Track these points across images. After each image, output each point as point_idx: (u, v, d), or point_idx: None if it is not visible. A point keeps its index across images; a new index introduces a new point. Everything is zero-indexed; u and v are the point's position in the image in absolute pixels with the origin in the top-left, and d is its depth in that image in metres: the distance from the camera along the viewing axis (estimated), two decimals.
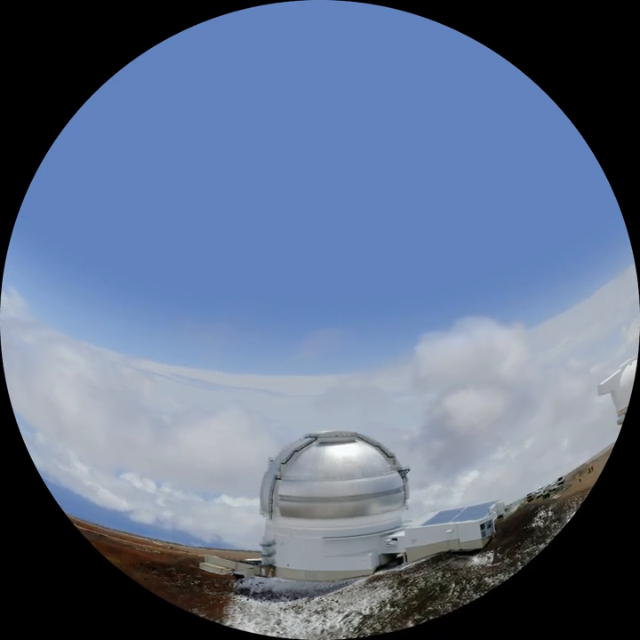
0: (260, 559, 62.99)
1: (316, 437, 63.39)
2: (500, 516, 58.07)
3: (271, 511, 60.20)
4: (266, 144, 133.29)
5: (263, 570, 60.21)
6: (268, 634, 48.28)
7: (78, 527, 55.25)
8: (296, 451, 61.87)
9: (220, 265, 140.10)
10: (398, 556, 58.50)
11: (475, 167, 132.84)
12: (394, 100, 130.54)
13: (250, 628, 49.30)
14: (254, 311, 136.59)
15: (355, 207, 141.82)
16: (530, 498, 59.27)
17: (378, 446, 64.12)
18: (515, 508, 58.77)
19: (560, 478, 59.48)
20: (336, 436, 63.95)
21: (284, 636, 47.85)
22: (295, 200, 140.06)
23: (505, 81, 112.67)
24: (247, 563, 62.16)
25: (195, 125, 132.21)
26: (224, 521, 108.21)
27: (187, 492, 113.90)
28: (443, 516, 60.15)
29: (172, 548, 69.52)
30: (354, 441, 63.73)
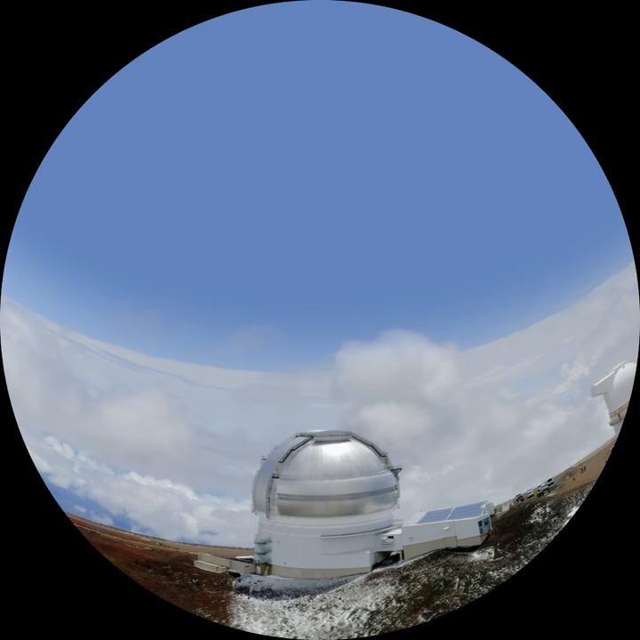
0: (251, 556, 62.95)
1: (311, 437, 63.67)
2: (492, 516, 59.83)
3: (268, 510, 60.10)
4: (263, 142, 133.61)
5: (259, 568, 60.11)
6: (277, 633, 48.34)
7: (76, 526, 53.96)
8: (292, 449, 61.97)
9: (167, 254, 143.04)
10: (392, 553, 59.55)
11: (470, 168, 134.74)
12: (394, 100, 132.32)
13: (257, 626, 49.21)
14: (189, 300, 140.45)
15: (313, 208, 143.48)
16: (520, 498, 61.36)
17: (371, 445, 64.98)
18: (506, 508, 60.66)
19: (550, 480, 61.82)
20: (330, 434, 64.48)
21: (293, 635, 47.96)
22: (253, 197, 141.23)
23: (505, 81, 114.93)
24: (241, 560, 61.90)
25: (194, 125, 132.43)
26: (131, 496, 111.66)
27: (100, 464, 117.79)
28: (431, 516, 61.42)
29: (160, 544, 68.56)
30: (348, 440, 64.38)
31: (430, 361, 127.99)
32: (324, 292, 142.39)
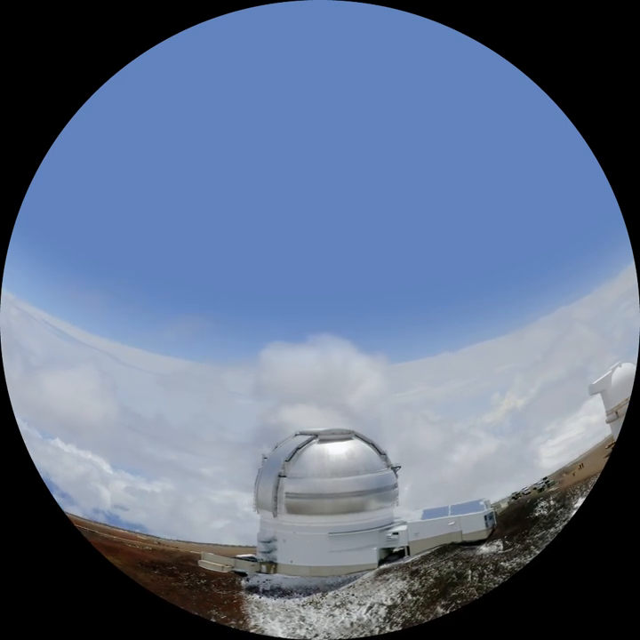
0: (251, 555, 62.95)
1: (315, 435, 64.12)
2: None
3: (275, 508, 60.17)
4: (264, 143, 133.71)
5: (264, 566, 60.13)
6: (298, 631, 48.56)
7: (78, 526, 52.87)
8: (298, 448, 62.29)
9: (121, 237, 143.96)
10: (395, 550, 60.62)
11: (471, 168, 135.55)
12: (393, 100, 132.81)
13: (276, 626, 49.31)
14: (133, 284, 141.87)
15: (275, 205, 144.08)
16: (516, 496, 63.54)
17: (372, 444, 65.87)
18: (505, 505, 62.73)
19: (545, 478, 64.25)
20: (333, 433, 65.09)
21: (314, 633, 48.30)
22: (242, 197, 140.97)
23: (505, 81, 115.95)
24: (244, 559, 61.71)
25: (194, 125, 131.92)
26: (54, 461, 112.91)
27: (30, 426, 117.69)
28: (428, 514, 62.64)
29: (159, 543, 67.68)
30: (351, 438, 65.11)
31: (357, 370, 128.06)
32: (257, 288, 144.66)
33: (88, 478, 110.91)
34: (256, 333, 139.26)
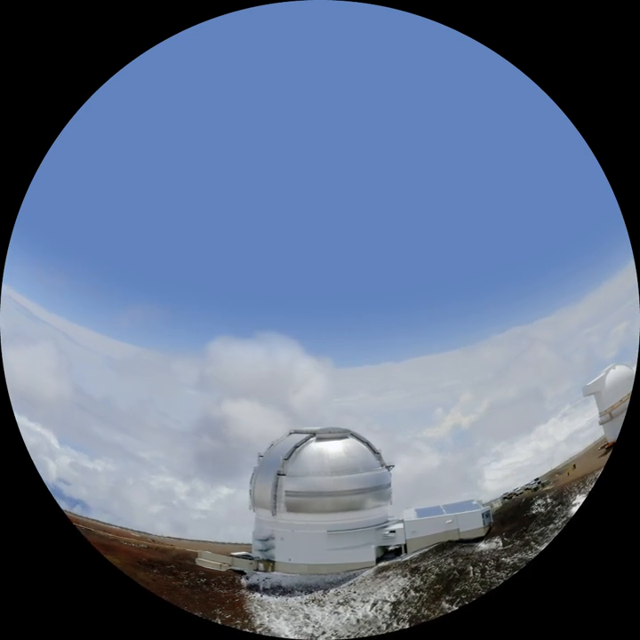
0: (246, 553, 62.71)
1: (312, 434, 64.25)
2: None
3: (274, 507, 60.03)
4: (265, 143, 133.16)
5: (261, 564, 59.91)
6: (304, 629, 48.56)
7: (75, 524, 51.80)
8: (296, 446, 62.30)
9: (95, 225, 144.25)
10: (391, 548, 61.23)
11: (472, 167, 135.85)
12: (393, 100, 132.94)
13: (282, 624, 49.19)
14: (97, 270, 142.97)
15: (306, 204, 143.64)
16: (508, 496, 64.91)
17: (366, 443, 66.37)
18: (497, 505, 64.03)
19: (537, 479, 65.75)
20: (329, 431, 65.34)
21: (321, 630, 48.38)
22: (248, 196, 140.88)
23: (505, 81, 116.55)
24: (240, 557, 61.34)
25: (194, 125, 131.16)
26: None
27: None
28: (421, 513, 63.53)
29: (154, 540, 66.67)
30: (347, 437, 65.47)
31: (302, 371, 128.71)
32: (209, 281, 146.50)
33: (37, 450, 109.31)
34: (204, 326, 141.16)
